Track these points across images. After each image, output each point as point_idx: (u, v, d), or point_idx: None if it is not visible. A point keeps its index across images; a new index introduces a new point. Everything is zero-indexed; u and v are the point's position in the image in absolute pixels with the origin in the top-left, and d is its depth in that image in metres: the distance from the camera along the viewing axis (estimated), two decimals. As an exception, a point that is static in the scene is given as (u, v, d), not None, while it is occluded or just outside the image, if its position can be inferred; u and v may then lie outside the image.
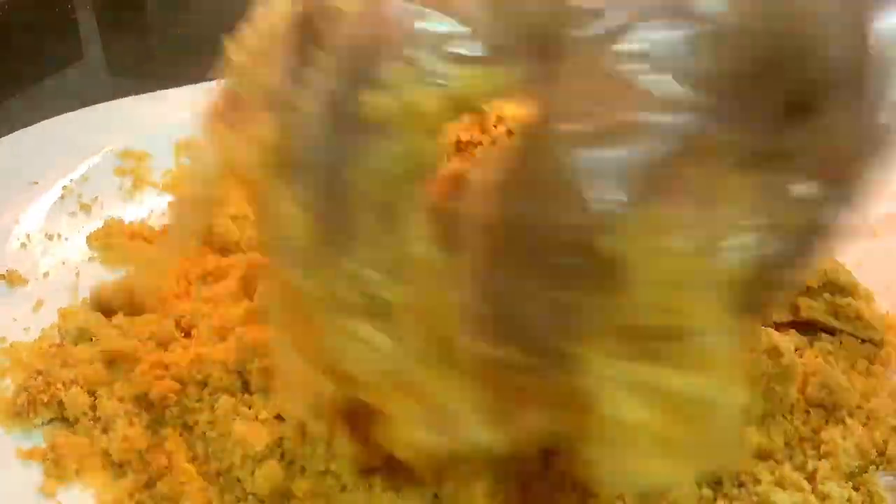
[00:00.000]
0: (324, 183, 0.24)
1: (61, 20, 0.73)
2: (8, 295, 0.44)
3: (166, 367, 0.37)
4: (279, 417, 0.34)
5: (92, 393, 0.37)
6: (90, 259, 0.47)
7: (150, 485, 0.34)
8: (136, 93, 0.56)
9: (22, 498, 0.34)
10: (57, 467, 0.35)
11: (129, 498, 0.34)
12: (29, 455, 0.35)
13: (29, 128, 0.52)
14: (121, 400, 0.36)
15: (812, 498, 0.32)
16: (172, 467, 0.34)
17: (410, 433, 0.27)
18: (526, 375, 0.25)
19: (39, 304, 0.43)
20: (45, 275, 0.45)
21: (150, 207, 0.51)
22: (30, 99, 0.64)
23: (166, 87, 0.56)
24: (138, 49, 0.75)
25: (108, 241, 0.48)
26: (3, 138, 0.51)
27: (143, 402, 0.36)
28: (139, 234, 0.48)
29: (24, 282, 0.44)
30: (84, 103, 0.55)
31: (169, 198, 0.51)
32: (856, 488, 0.33)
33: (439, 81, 0.22)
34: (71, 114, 0.54)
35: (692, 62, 0.21)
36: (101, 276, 0.46)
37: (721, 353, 0.24)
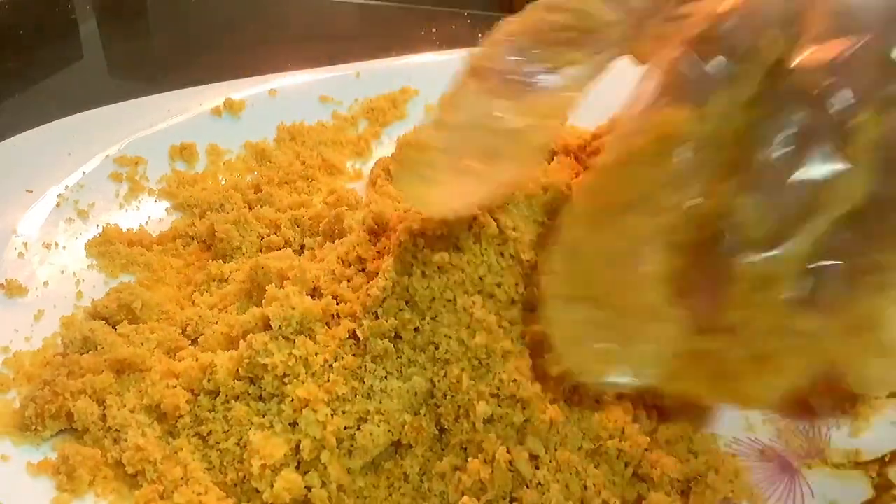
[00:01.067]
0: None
1: (61, 21, 0.72)
2: (7, 305, 0.43)
3: (176, 377, 0.36)
4: (294, 424, 0.34)
5: (101, 403, 0.36)
6: (89, 266, 0.46)
7: (165, 496, 0.33)
8: (136, 94, 0.56)
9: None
10: (70, 480, 0.34)
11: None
12: (40, 468, 0.35)
13: (22, 134, 0.52)
14: (132, 410, 0.35)
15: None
16: (188, 478, 0.33)
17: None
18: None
19: (40, 313, 0.43)
20: (45, 283, 0.45)
21: (148, 213, 0.51)
22: (29, 100, 0.64)
23: (165, 90, 0.55)
24: (138, 51, 0.74)
25: (107, 248, 0.47)
26: (-4, 146, 0.51)
27: (155, 412, 0.36)
28: (138, 241, 0.48)
29: (24, 291, 0.44)
30: (83, 105, 0.54)
31: (165, 204, 0.51)
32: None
33: None
34: (64, 119, 0.54)
35: None
36: (101, 283, 0.45)
37: None
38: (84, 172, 0.51)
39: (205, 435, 0.35)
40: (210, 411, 0.35)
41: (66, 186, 0.50)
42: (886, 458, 0.35)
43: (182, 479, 0.33)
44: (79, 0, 0.75)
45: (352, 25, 0.71)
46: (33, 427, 0.36)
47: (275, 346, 0.35)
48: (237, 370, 0.35)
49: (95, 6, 0.76)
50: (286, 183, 0.53)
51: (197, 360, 0.36)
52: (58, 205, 0.49)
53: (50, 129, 0.52)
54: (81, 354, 0.38)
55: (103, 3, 0.77)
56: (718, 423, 0.38)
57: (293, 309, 0.35)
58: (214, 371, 0.35)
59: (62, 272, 0.46)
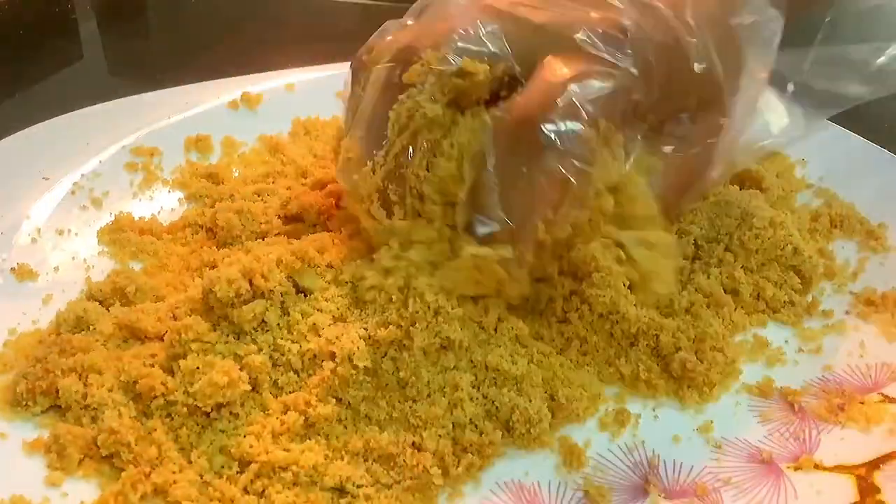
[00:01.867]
0: None
1: (61, 20, 0.73)
2: (18, 288, 0.44)
3: (154, 355, 0.37)
4: None
5: (86, 381, 0.37)
6: (100, 253, 0.47)
7: (149, 477, 0.34)
8: (136, 93, 0.57)
9: (30, 488, 0.34)
10: (60, 458, 0.35)
11: (131, 489, 0.34)
12: (33, 446, 0.36)
13: (42, 123, 0.53)
14: (110, 389, 0.36)
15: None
16: (163, 458, 0.34)
17: None
18: None
19: (49, 297, 0.44)
20: (56, 269, 0.46)
21: (160, 203, 0.52)
22: (30, 99, 0.65)
23: (166, 88, 0.56)
24: (138, 49, 0.75)
25: (118, 235, 0.48)
26: (17, 133, 0.52)
27: (132, 390, 0.36)
28: (148, 230, 0.49)
29: (35, 276, 0.45)
30: (84, 103, 0.55)
31: (178, 194, 0.52)
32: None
33: None
34: (84, 109, 0.55)
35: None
36: (109, 269, 0.46)
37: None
38: (100, 161, 0.52)
39: (173, 416, 0.36)
40: (175, 391, 0.36)
41: (82, 175, 0.51)
42: (874, 463, 0.34)
43: (157, 458, 0.34)
44: (79, 0, 0.76)
45: (352, 25, 0.71)
46: (23, 403, 0.36)
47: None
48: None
49: (95, 6, 0.78)
50: (299, 176, 0.54)
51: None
52: (73, 192, 0.50)
53: (69, 119, 0.54)
54: (74, 334, 0.39)
55: (103, 3, 0.78)
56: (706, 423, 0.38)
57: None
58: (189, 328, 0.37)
59: (73, 258, 0.47)
